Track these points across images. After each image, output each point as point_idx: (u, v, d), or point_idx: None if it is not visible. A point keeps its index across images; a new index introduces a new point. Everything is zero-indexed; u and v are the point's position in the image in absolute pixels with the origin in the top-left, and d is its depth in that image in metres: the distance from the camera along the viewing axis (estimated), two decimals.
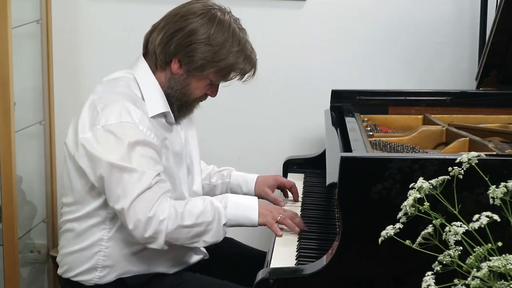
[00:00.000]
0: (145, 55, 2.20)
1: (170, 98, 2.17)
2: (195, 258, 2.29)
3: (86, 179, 2.10)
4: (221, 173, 2.52)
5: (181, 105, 2.19)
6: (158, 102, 2.15)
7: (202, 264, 2.31)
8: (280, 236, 2.12)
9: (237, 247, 2.49)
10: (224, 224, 2.07)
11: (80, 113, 2.12)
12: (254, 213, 2.10)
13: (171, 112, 2.18)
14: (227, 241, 2.44)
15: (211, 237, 2.07)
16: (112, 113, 2.05)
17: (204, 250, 2.32)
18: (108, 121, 2.04)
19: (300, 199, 2.53)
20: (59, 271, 2.26)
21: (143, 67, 2.18)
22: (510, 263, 1.09)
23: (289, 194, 2.57)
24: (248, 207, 2.11)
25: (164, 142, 2.15)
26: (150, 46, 2.17)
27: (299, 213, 2.38)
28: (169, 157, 2.18)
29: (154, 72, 2.17)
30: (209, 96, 2.22)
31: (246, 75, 2.18)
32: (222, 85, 2.23)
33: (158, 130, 2.13)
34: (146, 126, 2.06)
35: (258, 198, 2.51)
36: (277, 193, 2.59)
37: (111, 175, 2.01)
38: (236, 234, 2.55)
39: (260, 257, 2.26)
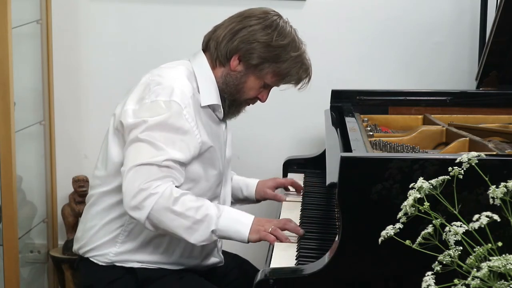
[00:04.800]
0: (204, 51, 2.25)
1: (223, 93, 2.22)
2: (211, 260, 2.30)
3: (122, 151, 2.13)
4: None
5: (232, 100, 2.23)
6: (212, 94, 2.20)
7: (212, 272, 2.32)
8: (273, 241, 2.05)
9: (249, 265, 2.51)
10: (213, 232, 2.05)
11: (134, 89, 2.17)
12: (245, 229, 2.07)
13: (221, 107, 2.22)
14: (243, 261, 2.49)
15: (195, 239, 2.04)
16: (164, 90, 2.10)
17: (221, 256, 2.34)
18: (158, 97, 2.10)
19: (300, 199, 2.53)
20: (75, 247, 2.28)
21: (202, 60, 2.23)
22: (510, 263, 1.09)
23: (291, 189, 2.60)
24: (240, 223, 2.07)
25: (208, 133, 2.17)
26: (212, 42, 2.21)
27: (299, 213, 2.38)
28: (211, 150, 2.20)
29: (212, 68, 2.22)
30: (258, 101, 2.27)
31: (301, 83, 2.26)
32: (277, 89, 2.29)
33: (206, 120, 2.18)
34: (189, 113, 2.11)
35: (259, 200, 2.54)
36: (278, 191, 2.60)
37: (136, 140, 2.06)
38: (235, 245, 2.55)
39: None
